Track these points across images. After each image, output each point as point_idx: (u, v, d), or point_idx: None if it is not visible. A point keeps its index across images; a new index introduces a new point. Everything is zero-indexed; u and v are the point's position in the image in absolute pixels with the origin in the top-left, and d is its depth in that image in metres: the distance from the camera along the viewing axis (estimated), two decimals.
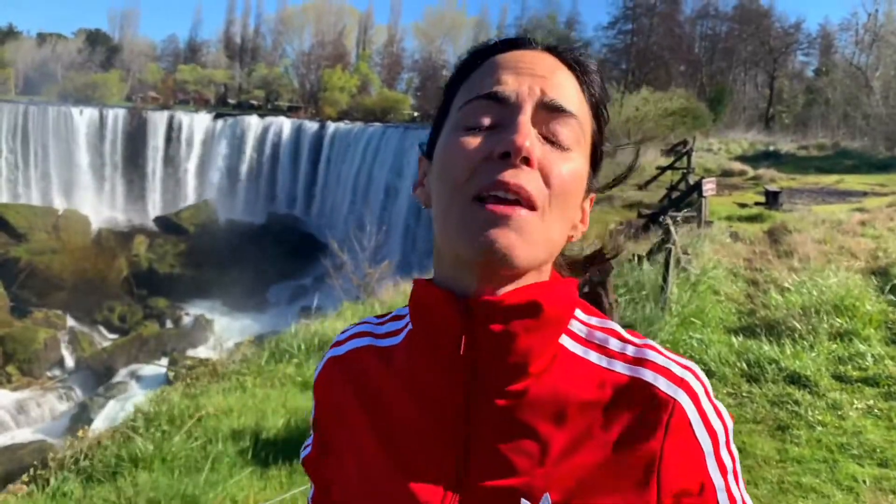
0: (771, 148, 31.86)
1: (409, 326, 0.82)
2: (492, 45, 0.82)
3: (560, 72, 0.78)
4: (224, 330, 30.28)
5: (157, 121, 44.76)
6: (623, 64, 52.39)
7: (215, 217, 41.41)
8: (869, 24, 47.01)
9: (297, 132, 42.77)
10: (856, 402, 5.53)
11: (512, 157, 0.70)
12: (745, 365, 6.24)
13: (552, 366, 0.75)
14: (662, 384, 0.73)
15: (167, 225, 40.76)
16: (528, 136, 0.71)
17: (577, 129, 0.76)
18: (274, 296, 35.95)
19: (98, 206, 42.80)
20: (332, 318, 8.78)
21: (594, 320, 0.80)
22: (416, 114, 56.24)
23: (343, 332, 0.92)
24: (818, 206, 16.42)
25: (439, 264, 0.79)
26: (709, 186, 12.84)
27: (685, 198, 13.95)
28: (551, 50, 0.80)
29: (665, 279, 7.12)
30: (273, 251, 37.06)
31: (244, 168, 42.97)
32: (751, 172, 23.75)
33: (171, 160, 44.18)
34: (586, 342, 0.77)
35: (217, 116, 45.72)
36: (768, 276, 9.44)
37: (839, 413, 5.34)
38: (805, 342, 6.67)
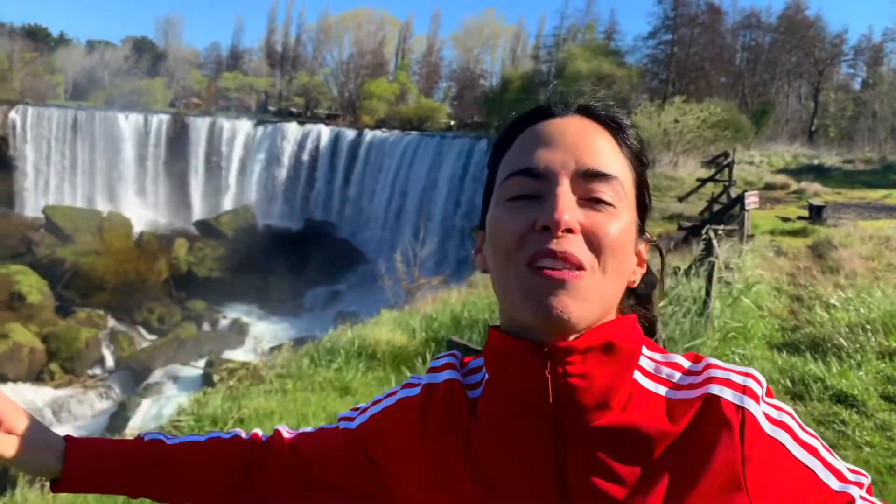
0: (815, 161, 31.25)
1: (486, 377, 0.86)
2: (524, 116, 0.85)
3: (593, 134, 0.81)
4: (260, 333, 30.66)
5: (200, 126, 45.49)
6: (663, 74, 51.82)
7: (254, 222, 41.96)
8: None
9: (335, 140, 43.13)
10: None
11: (552, 230, 0.74)
12: (789, 382, 6.13)
13: (630, 401, 0.78)
14: (729, 395, 0.76)
15: (207, 229, 41.42)
16: (566, 209, 0.74)
17: (617, 188, 0.79)
18: (310, 301, 36.28)
19: (140, 209, 43.66)
20: (371, 325, 8.83)
21: (658, 356, 0.84)
22: (452, 122, 56.44)
23: (437, 360, 0.94)
24: (864, 221, 16.03)
25: (507, 320, 0.82)
26: (752, 199, 12.65)
27: (727, 210, 13.75)
28: (583, 111, 0.83)
29: (708, 293, 7.03)
30: (309, 257, 37.41)
31: (283, 174, 43.46)
32: (794, 186, 23.32)
33: (212, 165, 44.85)
34: (656, 377, 0.81)
35: (258, 123, 46.32)
36: (812, 292, 9.26)
37: (888, 434, 5.20)
38: (852, 360, 6.52)
